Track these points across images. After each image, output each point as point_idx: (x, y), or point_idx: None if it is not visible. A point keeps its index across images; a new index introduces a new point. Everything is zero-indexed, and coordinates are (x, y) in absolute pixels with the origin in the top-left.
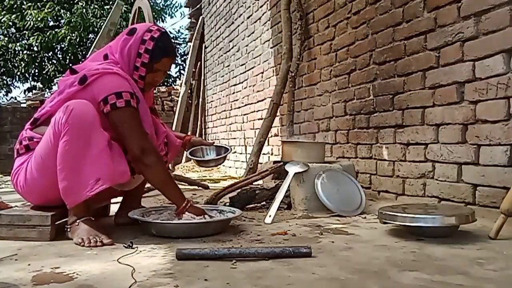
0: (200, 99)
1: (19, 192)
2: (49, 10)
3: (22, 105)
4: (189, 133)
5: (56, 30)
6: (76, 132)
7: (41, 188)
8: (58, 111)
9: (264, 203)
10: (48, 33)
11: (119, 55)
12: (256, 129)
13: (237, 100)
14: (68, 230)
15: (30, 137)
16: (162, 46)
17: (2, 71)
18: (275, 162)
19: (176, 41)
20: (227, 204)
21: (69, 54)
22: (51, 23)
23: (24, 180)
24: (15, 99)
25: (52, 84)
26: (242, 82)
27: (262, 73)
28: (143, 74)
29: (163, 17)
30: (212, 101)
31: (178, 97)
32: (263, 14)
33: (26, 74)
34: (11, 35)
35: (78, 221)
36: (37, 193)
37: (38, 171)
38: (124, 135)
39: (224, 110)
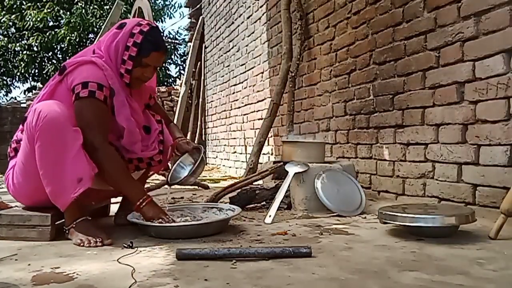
0: (200, 99)
1: (11, 195)
2: (49, 10)
3: (22, 105)
4: (188, 133)
5: (56, 30)
6: (48, 135)
7: (28, 191)
8: (29, 114)
9: (264, 203)
10: (47, 33)
11: (105, 49)
12: (256, 129)
13: (237, 100)
14: (67, 232)
15: (18, 140)
16: (152, 40)
17: (2, 71)
18: (275, 162)
19: (175, 41)
20: (227, 204)
21: (69, 54)
22: (51, 23)
23: (12, 184)
24: (15, 99)
25: None
26: (242, 82)
27: (262, 73)
28: (130, 68)
29: (162, 18)
30: (212, 101)
31: (178, 97)
32: (263, 14)
33: (26, 74)
34: (11, 35)
35: (74, 222)
36: (25, 196)
37: (22, 176)
38: (80, 126)
39: (224, 110)
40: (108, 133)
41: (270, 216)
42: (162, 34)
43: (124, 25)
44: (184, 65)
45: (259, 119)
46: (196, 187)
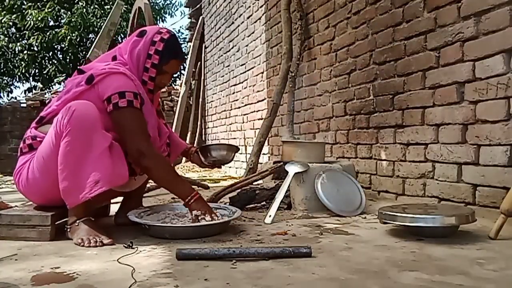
0: (200, 99)
1: (21, 191)
2: (49, 10)
3: (22, 105)
4: (188, 133)
5: (56, 30)
6: (77, 133)
7: (43, 188)
8: (61, 111)
9: (264, 203)
10: (48, 33)
11: (129, 56)
12: (256, 129)
13: (237, 100)
14: (68, 230)
15: (34, 136)
16: (172, 48)
17: (2, 71)
18: (275, 162)
19: None
20: (227, 204)
21: (69, 54)
22: (51, 23)
23: (26, 179)
24: (15, 99)
25: (52, 84)
26: (242, 82)
27: (262, 73)
28: (153, 75)
29: (163, 17)
30: (212, 101)
31: (178, 97)
32: (263, 14)
33: (27, 74)
34: (11, 35)
35: (78, 221)
36: (38, 193)
37: (40, 171)
38: (123, 136)
39: (224, 110)
40: (150, 139)
41: (270, 216)
42: (179, 42)
43: (144, 33)
44: (184, 65)
45: (259, 119)
46: (196, 187)
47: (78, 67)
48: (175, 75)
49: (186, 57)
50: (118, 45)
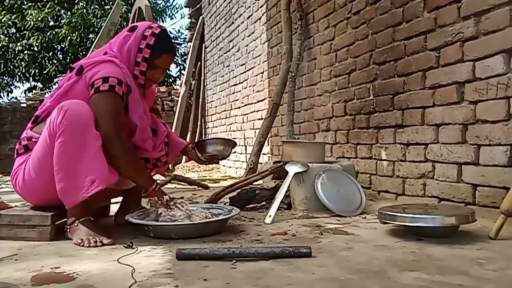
0: (200, 99)
1: (18, 193)
2: (50, 10)
3: (22, 105)
4: (188, 133)
5: (57, 30)
6: (71, 132)
7: (39, 188)
8: (53, 111)
9: (264, 203)
10: (48, 33)
11: (118, 50)
12: (256, 129)
13: (237, 100)
14: (68, 230)
15: (29, 137)
16: (163, 42)
17: (2, 71)
18: (275, 162)
19: (176, 41)
20: (227, 204)
21: (70, 54)
22: (52, 23)
23: (22, 180)
24: (15, 99)
25: (52, 84)
26: (242, 82)
27: (262, 73)
28: (144, 69)
29: (163, 18)
30: (212, 101)
31: (178, 97)
32: (263, 14)
33: (27, 74)
34: (11, 35)
35: (77, 221)
36: (35, 194)
37: (36, 172)
38: (96, 118)
39: (224, 110)
40: (121, 127)
41: (270, 216)
42: (171, 37)
43: (135, 28)
44: (184, 65)
45: (259, 119)
46: (196, 187)
47: (71, 66)
48: (174, 75)
49: (177, 52)
50: (110, 41)
